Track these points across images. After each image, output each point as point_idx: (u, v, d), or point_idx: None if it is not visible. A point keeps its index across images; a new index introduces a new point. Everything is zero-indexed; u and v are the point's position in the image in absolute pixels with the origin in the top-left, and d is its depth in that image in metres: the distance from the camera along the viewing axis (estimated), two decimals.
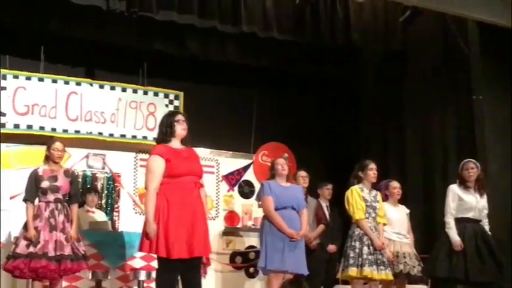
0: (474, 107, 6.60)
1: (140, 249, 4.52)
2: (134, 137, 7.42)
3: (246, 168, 8.11)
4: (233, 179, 8.03)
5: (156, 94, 7.62)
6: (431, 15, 7.02)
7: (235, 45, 7.60)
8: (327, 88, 8.57)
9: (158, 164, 4.43)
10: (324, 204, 6.85)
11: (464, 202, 5.44)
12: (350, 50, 7.74)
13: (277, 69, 8.03)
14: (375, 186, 5.74)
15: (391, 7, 7.44)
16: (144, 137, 7.43)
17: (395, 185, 6.16)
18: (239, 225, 7.86)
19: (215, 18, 7.01)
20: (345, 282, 6.14)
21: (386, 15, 7.52)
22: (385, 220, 5.64)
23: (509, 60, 6.81)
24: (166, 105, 7.62)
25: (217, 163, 7.96)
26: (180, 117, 4.63)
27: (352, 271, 5.33)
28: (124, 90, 7.43)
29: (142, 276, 5.90)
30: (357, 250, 5.36)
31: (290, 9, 7.40)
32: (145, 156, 7.24)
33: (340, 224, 6.68)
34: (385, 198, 5.96)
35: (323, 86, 8.54)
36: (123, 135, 7.36)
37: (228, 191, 7.99)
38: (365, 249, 5.34)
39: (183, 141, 4.63)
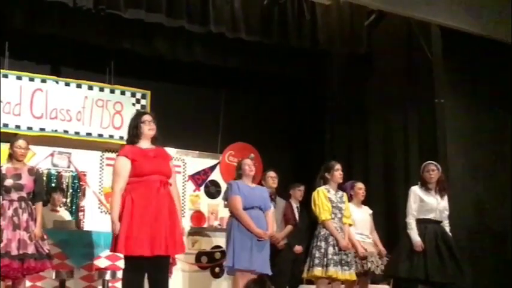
0: (436, 110, 6.71)
1: (110, 249, 4.56)
2: (100, 135, 7.37)
3: (212, 168, 8.11)
4: (199, 178, 8.03)
5: (123, 93, 7.58)
6: (396, 19, 7.13)
7: (203, 45, 7.60)
8: (294, 89, 8.64)
9: (123, 164, 4.50)
10: (295, 205, 6.90)
11: (426, 203, 5.55)
12: (317, 51, 7.81)
13: (244, 70, 8.05)
14: (340, 187, 5.81)
15: (357, 10, 7.53)
16: (111, 136, 7.39)
17: (360, 186, 6.28)
18: (205, 225, 7.87)
19: (183, 17, 7.00)
20: (310, 282, 6.20)
21: (352, 18, 7.60)
22: (351, 221, 5.71)
23: (470, 65, 6.99)
24: (133, 104, 7.59)
25: (183, 163, 7.95)
26: (146, 117, 4.66)
27: (318, 271, 5.40)
28: (90, 88, 7.37)
29: (108, 276, 5.86)
30: (323, 250, 5.42)
31: (258, 10, 7.44)
32: (111, 155, 7.22)
33: (308, 225, 6.74)
34: (350, 199, 6.05)
35: (290, 87, 8.60)
36: (89, 134, 7.31)
37: (194, 190, 7.98)
38: (330, 250, 5.40)
39: (153, 141, 4.66)
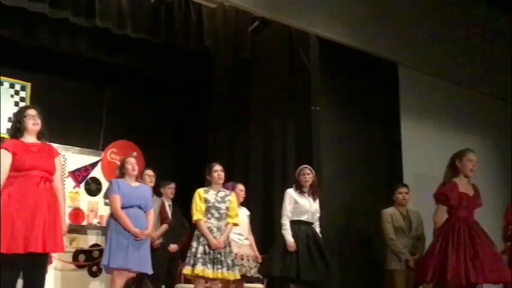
0: (312, 117, 6.94)
1: None
2: None
3: (93, 165, 8.00)
4: (80, 175, 7.90)
5: (0, 83, 7.30)
6: (278, 27, 7.32)
7: (88, 39, 7.47)
8: (179, 89, 8.69)
9: (3, 157, 4.37)
10: (167, 203, 6.93)
11: (299, 205, 5.79)
12: (203, 53, 7.90)
13: (130, 67, 7.98)
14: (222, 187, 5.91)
15: (242, 16, 7.68)
16: None
17: (241, 187, 6.44)
18: (84, 223, 7.75)
19: (68, 9, 6.84)
20: (187, 281, 6.31)
21: (237, 23, 7.74)
22: (236, 220, 5.73)
23: (345, 75, 7.36)
24: (12, 96, 7.34)
25: (64, 159, 7.76)
26: (30, 112, 4.55)
27: (187, 270, 5.48)
28: None
29: None
30: (193, 249, 5.49)
31: (145, 8, 7.42)
32: None
33: (182, 224, 6.82)
34: None
35: (176, 86, 8.64)
36: None
37: (74, 187, 7.85)
38: (200, 249, 5.45)
39: (39, 136, 4.57)
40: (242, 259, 6.16)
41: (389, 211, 6.29)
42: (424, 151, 7.46)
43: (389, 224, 6.20)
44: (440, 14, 8.11)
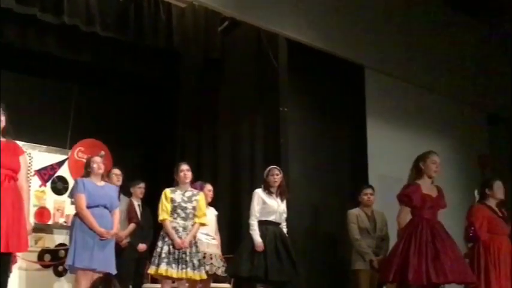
0: (280, 118, 6.97)
1: None
2: None
3: (60, 163, 7.92)
4: (46, 174, 7.82)
5: None
6: (247, 28, 7.35)
7: (56, 37, 7.42)
8: (148, 89, 8.65)
9: None
10: (136, 203, 6.92)
11: (268, 206, 5.80)
12: (172, 53, 7.90)
13: (99, 65, 7.92)
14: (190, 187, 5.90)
15: (211, 16, 7.70)
16: None
17: (209, 187, 6.46)
18: (50, 222, 7.68)
19: (35, 5, 6.80)
20: (155, 281, 6.31)
21: (206, 23, 7.77)
22: (203, 220, 5.72)
23: (313, 77, 7.42)
24: None
25: (30, 157, 7.68)
26: None
27: (151, 269, 5.48)
28: None
29: None
30: (158, 249, 5.49)
31: (114, 6, 7.39)
32: None
33: (151, 223, 6.82)
34: None
35: (145, 86, 8.60)
36: None
37: (40, 186, 7.76)
38: (165, 248, 5.45)
39: (3, 134, 4.52)
40: (211, 258, 6.18)
41: (354, 212, 6.38)
42: (389, 153, 7.56)
43: (355, 225, 6.29)
44: (405, 18, 8.24)
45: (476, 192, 5.88)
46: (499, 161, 8.94)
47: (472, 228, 5.51)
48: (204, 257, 6.00)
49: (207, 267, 6.02)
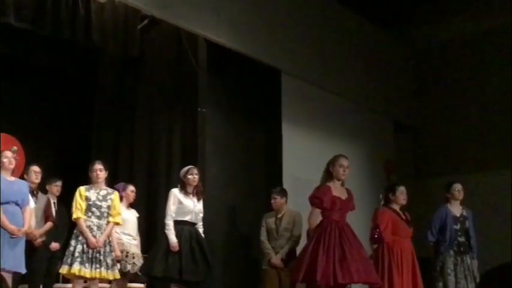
0: (198, 119, 7.05)
1: None
2: None
3: None
4: None
5: None
6: (167, 27, 7.34)
7: None
8: (64, 84, 8.41)
9: None
10: (52, 201, 6.74)
11: (184, 206, 5.85)
12: (91, 48, 7.74)
13: (13, 58, 7.64)
14: (112, 187, 5.88)
15: (131, 13, 7.57)
16: None
17: (132, 188, 6.47)
18: None
19: None
20: (66, 281, 6.19)
21: (125, 20, 7.62)
22: (117, 219, 5.68)
23: (231, 78, 7.53)
24: None
25: None
26: None
27: (63, 269, 5.42)
28: None
29: None
30: (71, 248, 5.42)
31: None
32: None
33: (66, 222, 6.69)
34: (121, 200, 6.09)
35: (60, 81, 8.36)
36: None
37: None
38: (78, 247, 5.39)
39: None
40: (133, 257, 6.19)
41: (267, 214, 6.56)
42: (303, 156, 7.79)
43: (263, 227, 6.51)
44: (321, 27, 8.52)
45: (381, 196, 6.17)
46: (404, 166, 9.42)
47: (377, 230, 5.76)
48: (127, 256, 6.00)
49: (129, 267, 6.02)
